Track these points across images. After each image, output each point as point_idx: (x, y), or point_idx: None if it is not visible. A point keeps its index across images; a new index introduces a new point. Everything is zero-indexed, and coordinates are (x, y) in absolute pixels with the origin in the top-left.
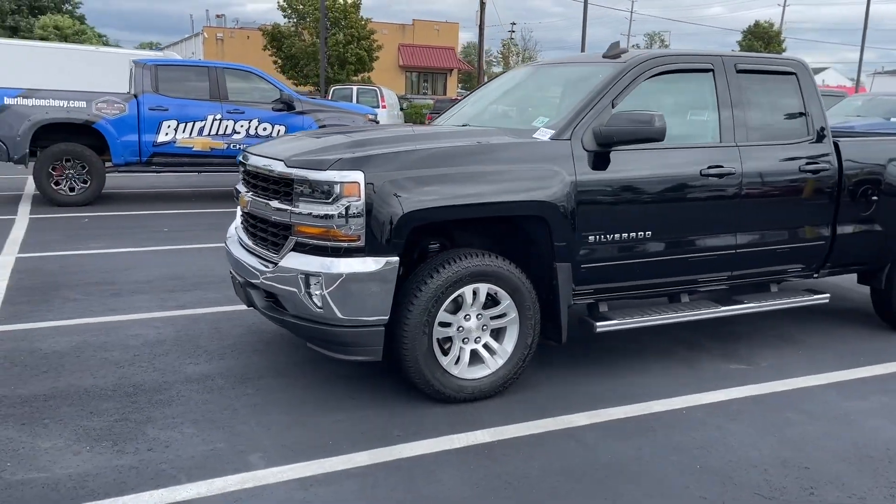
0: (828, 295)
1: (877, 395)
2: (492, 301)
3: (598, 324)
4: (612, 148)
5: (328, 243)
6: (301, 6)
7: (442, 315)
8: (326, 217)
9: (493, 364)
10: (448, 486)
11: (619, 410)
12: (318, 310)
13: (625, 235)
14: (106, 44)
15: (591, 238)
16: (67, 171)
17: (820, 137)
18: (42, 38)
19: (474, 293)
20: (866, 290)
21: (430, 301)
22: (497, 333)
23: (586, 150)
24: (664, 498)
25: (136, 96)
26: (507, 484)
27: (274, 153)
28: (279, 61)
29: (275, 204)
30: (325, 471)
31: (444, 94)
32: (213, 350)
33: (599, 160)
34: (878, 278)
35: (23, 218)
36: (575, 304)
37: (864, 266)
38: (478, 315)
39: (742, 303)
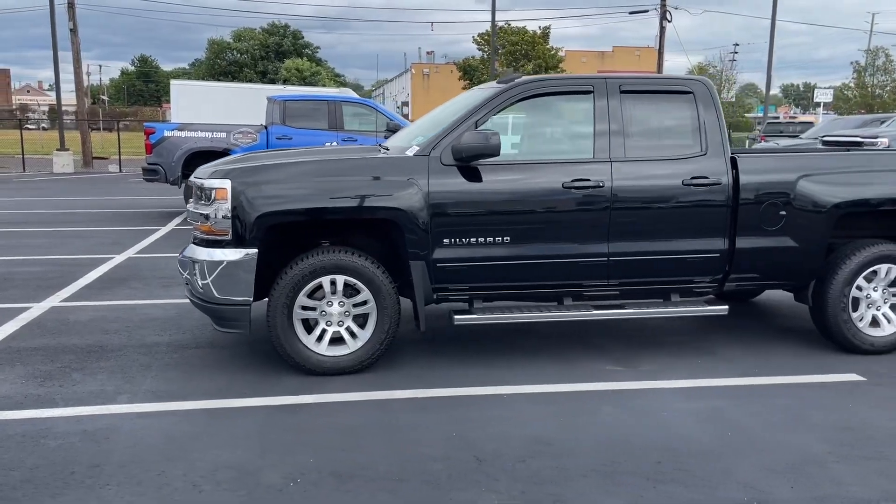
0: (726, 307)
1: (718, 401)
2: (355, 291)
3: (457, 317)
4: (471, 162)
5: (208, 237)
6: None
7: (303, 300)
8: (206, 216)
9: (352, 345)
10: (241, 425)
11: (445, 391)
12: (201, 290)
13: (481, 240)
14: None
15: (446, 241)
16: None
17: (713, 153)
18: (284, 80)
19: (332, 283)
20: None
21: (288, 287)
22: (362, 319)
23: (444, 164)
24: (396, 446)
25: (266, 127)
26: (288, 430)
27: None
28: None
29: (188, 206)
30: (157, 409)
31: None
32: (184, 327)
33: (459, 173)
34: (804, 295)
35: (167, 229)
36: (439, 299)
37: (784, 282)
38: (340, 302)
39: (624, 308)
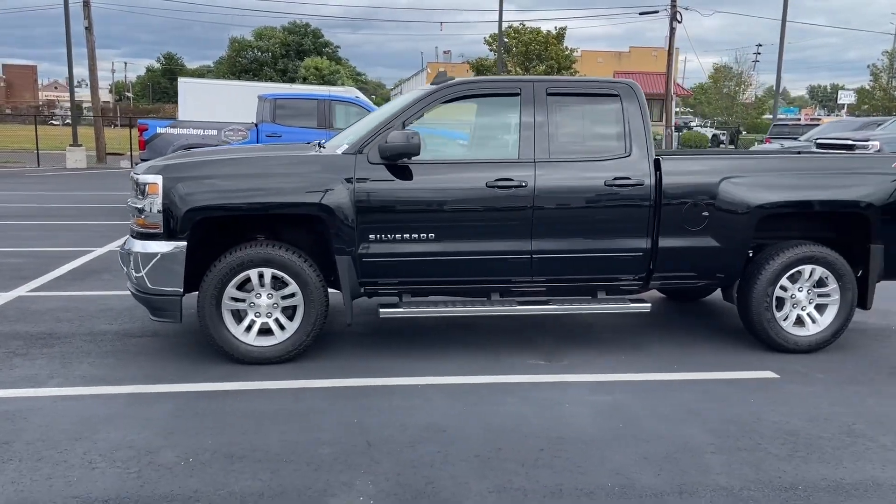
0: (648, 305)
1: (623, 395)
2: (283, 284)
3: (383, 311)
4: (397, 161)
5: (142, 230)
6: (507, 40)
7: (232, 292)
8: (140, 210)
9: (280, 336)
10: (156, 409)
11: (361, 381)
12: (136, 282)
13: (406, 237)
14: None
15: (372, 237)
16: None
17: (637, 154)
18: (304, 79)
19: (260, 276)
20: None
21: (217, 279)
22: (291, 311)
23: (372, 163)
24: (294, 431)
25: (256, 125)
26: (200, 415)
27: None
28: None
29: (128, 200)
30: (81, 393)
31: (661, 119)
32: (137, 317)
33: (386, 171)
34: (729, 294)
35: None
36: (367, 293)
37: (708, 281)
38: (268, 294)
39: (548, 304)
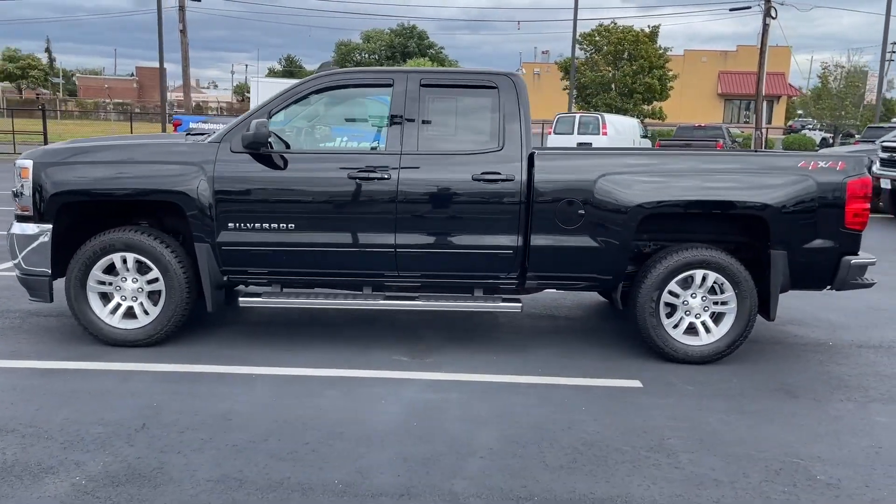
0: (520, 305)
1: (453, 394)
2: (149, 269)
3: (241, 299)
4: (259, 150)
5: (20, 213)
6: (598, 38)
7: (98, 275)
8: (18, 194)
9: (143, 320)
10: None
11: (202, 367)
12: (14, 262)
13: (265, 226)
14: None
15: (231, 225)
16: None
17: (510, 149)
18: None
19: (124, 260)
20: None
21: (81, 262)
22: (158, 296)
23: (234, 152)
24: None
25: None
26: (15, 390)
27: None
28: (574, 91)
29: None
30: None
31: (770, 122)
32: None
33: (250, 160)
34: (612, 297)
35: None
36: (231, 281)
37: (588, 283)
38: (133, 279)
39: (417, 301)
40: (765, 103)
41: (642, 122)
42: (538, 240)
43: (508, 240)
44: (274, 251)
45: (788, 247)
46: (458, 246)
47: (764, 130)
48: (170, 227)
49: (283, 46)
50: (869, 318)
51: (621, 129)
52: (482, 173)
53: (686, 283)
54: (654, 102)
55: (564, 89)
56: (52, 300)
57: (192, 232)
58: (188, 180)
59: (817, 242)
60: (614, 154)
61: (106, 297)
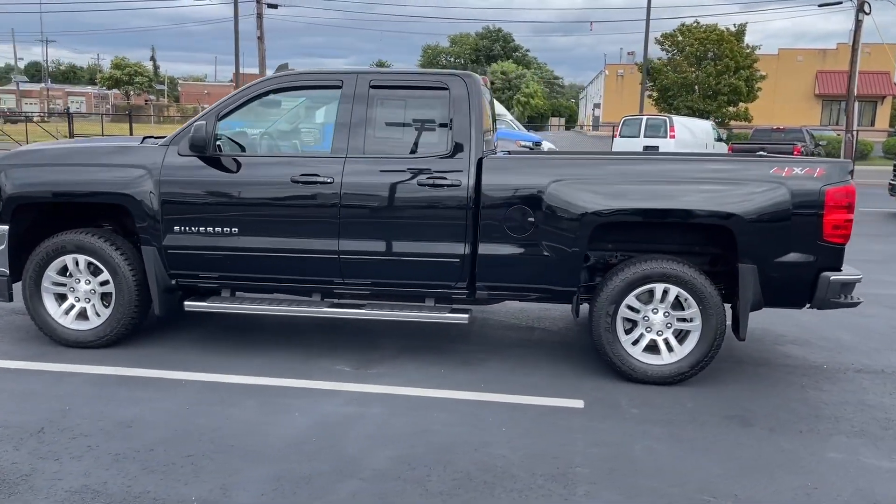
0: (467, 316)
1: (373, 409)
2: (100, 270)
3: (187, 303)
4: (204, 153)
5: None
6: (681, 38)
7: (52, 276)
8: None
9: (94, 321)
10: None
11: (133, 371)
12: None
13: (209, 230)
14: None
15: (177, 229)
16: None
17: (455, 153)
18: (491, 83)
19: (76, 262)
20: None
21: (34, 263)
22: (111, 298)
23: (182, 155)
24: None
25: None
26: None
27: None
28: (654, 94)
29: None
30: None
31: (873, 124)
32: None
33: (199, 163)
34: (572, 309)
35: None
36: (180, 285)
37: (541, 294)
38: (87, 280)
39: (363, 309)
40: (864, 104)
41: (726, 124)
42: (486, 248)
43: (455, 248)
44: (220, 256)
45: (759, 260)
46: (404, 253)
47: (855, 133)
48: (131, 230)
49: (376, 52)
50: (883, 340)
51: (694, 131)
52: (427, 178)
53: (648, 298)
54: (741, 104)
55: (648, 89)
56: (11, 300)
57: (139, 234)
58: (134, 183)
59: (792, 256)
60: (570, 159)
61: (62, 298)
